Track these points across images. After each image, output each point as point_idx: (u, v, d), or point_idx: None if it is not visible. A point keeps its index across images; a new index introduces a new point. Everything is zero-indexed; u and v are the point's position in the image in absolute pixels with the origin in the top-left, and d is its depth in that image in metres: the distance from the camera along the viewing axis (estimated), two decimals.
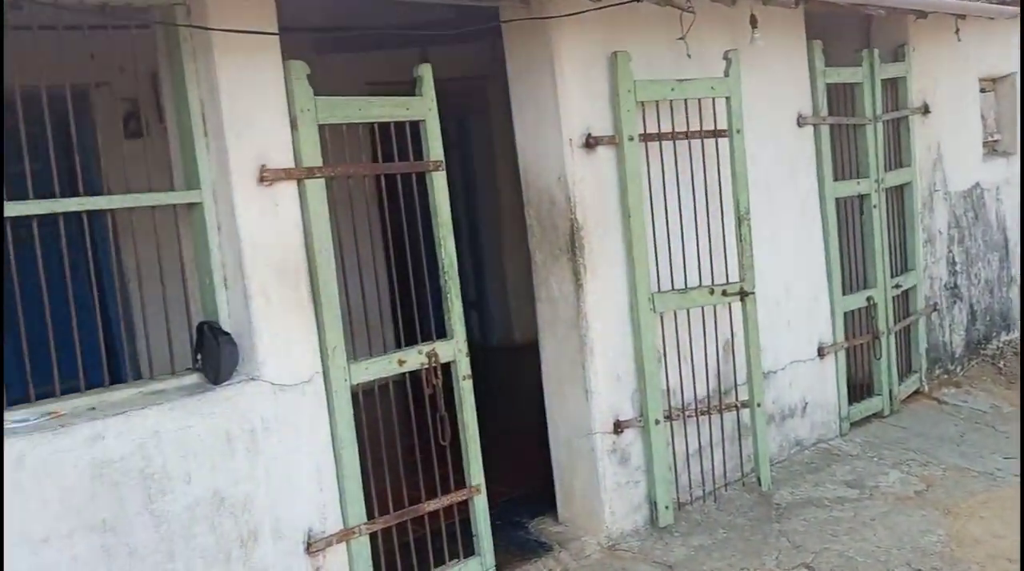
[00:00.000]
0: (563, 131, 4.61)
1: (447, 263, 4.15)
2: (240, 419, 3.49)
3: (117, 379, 3.50)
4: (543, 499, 4.99)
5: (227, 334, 3.55)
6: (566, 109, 4.60)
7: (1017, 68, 7.75)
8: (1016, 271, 8.02)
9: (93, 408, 3.26)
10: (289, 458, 3.62)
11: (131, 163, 3.57)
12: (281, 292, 3.65)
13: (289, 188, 3.70)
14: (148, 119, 4.02)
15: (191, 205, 3.62)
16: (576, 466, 4.77)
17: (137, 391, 3.42)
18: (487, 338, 8.94)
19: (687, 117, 4.96)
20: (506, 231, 8.64)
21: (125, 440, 3.20)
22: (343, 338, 3.79)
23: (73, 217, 3.29)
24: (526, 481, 5.28)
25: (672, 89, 4.90)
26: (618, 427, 4.74)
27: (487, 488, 4.29)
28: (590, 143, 4.66)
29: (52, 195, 3.26)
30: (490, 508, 4.32)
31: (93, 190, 3.47)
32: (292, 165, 3.70)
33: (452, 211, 4.22)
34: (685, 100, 4.95)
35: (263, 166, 3.61)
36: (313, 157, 3.76)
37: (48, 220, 3.24)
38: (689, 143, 5.00)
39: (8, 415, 3.10)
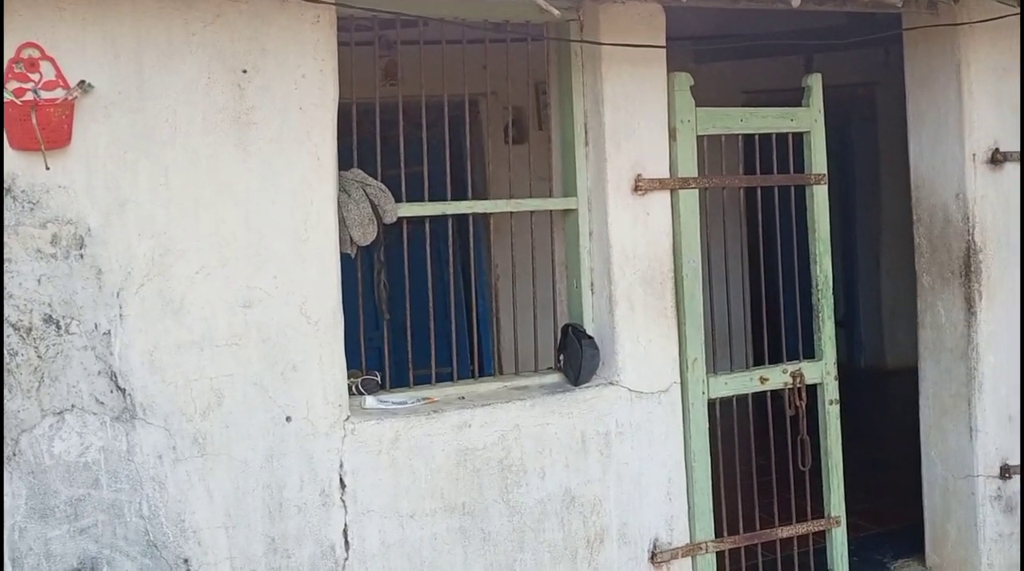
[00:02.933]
0: (966, 145, 3.75)
1: (821, 281, 3.54)
2: (596, 421, 3.19)
3: (481, 372, 3.35)
4: (908, 539, 4.15)
5: (590, 338, 3.26)
6: (971, 122, 3.74)
7: None
8: None
9: (462, 397, 3.13)
10: (640, 465, 3.26)
11: (510, 167, 3.39)
12: (645, 300, 3.28)
13: (662, 198, 3.32)
14: (527, 126, 3.86)
15: (567, 211, 3.37)
16: (951, 509, 3.91)
17: (502, 385, 3.24)
18: (854, 359, 7.81)
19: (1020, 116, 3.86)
20: (884, 248, 7.48)
21: (488, 430, 3.03)
22: (703, 350, 3.35)
23: (454, 217, 3.19)
24: (889, 517, 4.45)
25: None
26: (1005, 472, 3.81)
27: (847, 522, 3.63)
28: (996, 159, 3.76)
29: (442, 197, 3.18)
30: (849, 544, 3.64)
31: (477, 193, 3.35)
32: (667, 175, 3.32)
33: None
34: None
35: (638, 176, 3.26)
36: (688, 168, 3.34)
37: (432, 219, 3.16)
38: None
39: (389, 396, 3.06)
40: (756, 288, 3.73)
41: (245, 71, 2.73)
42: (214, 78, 2.70)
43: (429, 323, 3.12)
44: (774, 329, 3.57)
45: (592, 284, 3.34)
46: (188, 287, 2.68)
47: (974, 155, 3.76)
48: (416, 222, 3.13)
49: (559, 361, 3.33)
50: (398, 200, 3.07)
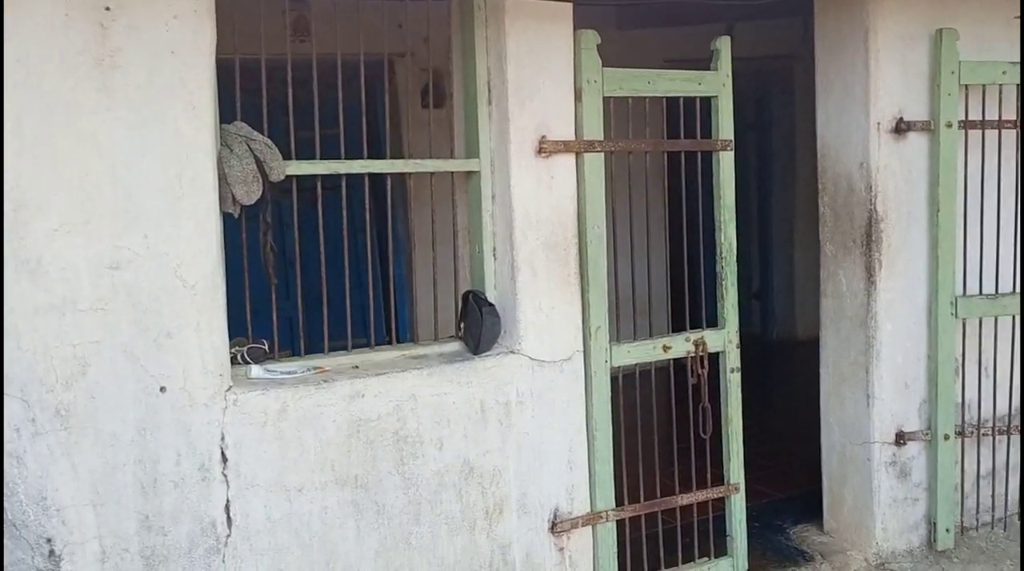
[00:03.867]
0: (871, 113, 3.68)
1: (726, 248, 3.42)
2: (496, 391, 3.02)
3: (398, 341, 3.15)
4: (809, 506, 4.13)
5: (491, 305, 3.08)
6: (876, 90, 3.66)
7: None
8: None
9: (356, 367, 2.91)
10: (541, 435, 3.11)
11: (425, 132, 3.18)
12: (549, 267, 3.11)
13: (567, 161, 3.14)
14: (446, 89, 3.63)
15: (469, 173, 3.16)
16: (848, 475, 3.89)
17: (400, 354, 3.04)
18: (767, 331, 7.84)
19: (1019, 105, 3.84)
20: (798, 220, 7.50)
21: (383, 401, 2.83)
22: (607, 318, 3.20)
23: (360, 181, 2.95)
24: (793, 484, 4.43)
25: (1004, 72, 3.78)
26: (900, 438, 3.79)
27: (750, 488, 3.57)
28: (900, 128, 3.70)
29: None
30: (751, 509, 3.58)
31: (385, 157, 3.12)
32: (572, 137, 3.14)
33: (742, 196, 3.49)
34: (1017, 86, 3.83)
35: (543, 137, 3.08)
36: (595, 130, 3.17)
37: (334, 182, 2.92)
38: (1018, 133, 3.87)
39: (276, 365, 2.83)
40: (676, 256, 3.59)
41: (108, 8, 2.43)
42: (73, 15, 2.39)
43: (322, 290, 2.88)
44: (690, 298, 3.43)
45: (495, 249, 3.15)
46: (46, 246, 2.39)
47: (879, 124, 3.68)
48: (328, 186, 2.88)
49: (460, 329, 3.15)
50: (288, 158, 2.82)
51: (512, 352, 3.07)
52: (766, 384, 5.98)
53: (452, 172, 3.14)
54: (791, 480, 4.50)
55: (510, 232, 3.06)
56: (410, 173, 3.06)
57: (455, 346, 3.12)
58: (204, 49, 2.56)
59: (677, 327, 3.48)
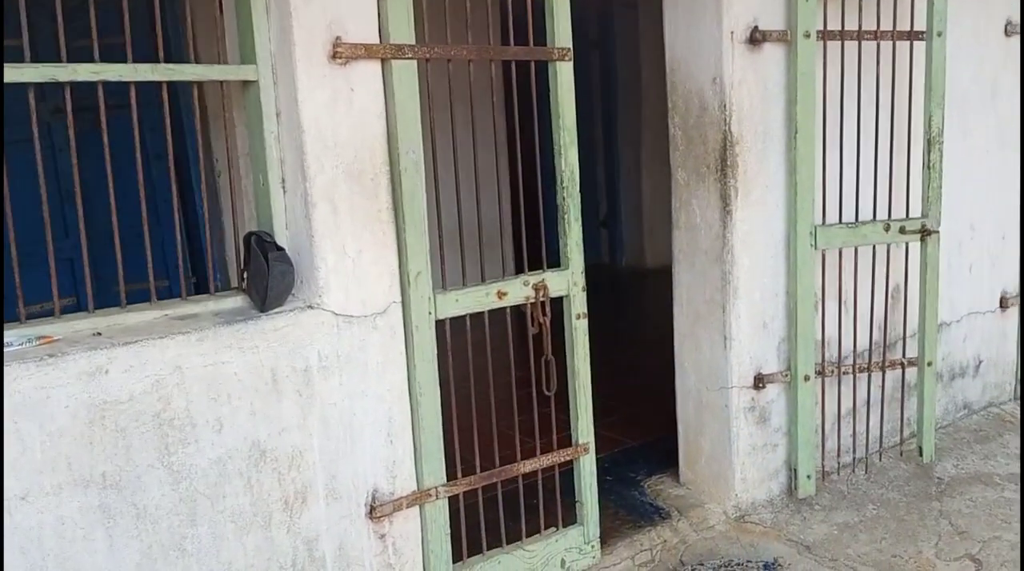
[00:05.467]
0: (724, 22, 3.23)
1: (567, 176, 2.90)
2: (291, 356, 2.42)
3: (200, 291, 2.47)
4: (663, 452, 3.77)
5: (281, 249, 2.45)
6: None
7: None
8: None
9: (99, 333, 2.25)
10: (352, 405, 2.54)
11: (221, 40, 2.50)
12: (352, 200, 2.51)
13: (371, 69, 2.52)
14: None
15: (246, 84, 2.50)
16: (705, 422, 3.54)
17: (161, 314, 2.38)
18: (616, 259, 7.58)
19: (878, 14, 3.50)
20: (646, 144, 7.14)
21: (136, 376, 2.18)
22: (429, 262, 2.64)
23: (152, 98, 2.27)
24: (645, 428, 4.06)
25: None
26: (759, 381, 3.46)
27: (600, 435, 3.13)
28: (755, 39, 3.28)
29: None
30: (601, 460, 3.19)
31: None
32: (376, 40, 2.52)
33: (586, 119, 2.98)
34: None
35: (337, 39, 2.44)
36: (404, 32, 2.55)
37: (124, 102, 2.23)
38: (878, 45, 3.54)
39: None
40: (515, 186, 3.05)
41: None
42: None
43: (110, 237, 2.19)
44: (530, 234, 2.92)
45: (284, 180, 2.52)
46: None
47: (732, 34, 3.25)
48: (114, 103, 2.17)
49: (243, 280, 2.52)
50: None
51: (311, 307, 2.47)
52: (616, 316, 5.64)
53: (222, 82, 2.46)
54: (644, 424, 4.13)
55: (301, 158, 2.44)
56: (164, 81, 2.35)
57: (237, 301, 2.49)
58: None
59: (519, 268, 2.97)
